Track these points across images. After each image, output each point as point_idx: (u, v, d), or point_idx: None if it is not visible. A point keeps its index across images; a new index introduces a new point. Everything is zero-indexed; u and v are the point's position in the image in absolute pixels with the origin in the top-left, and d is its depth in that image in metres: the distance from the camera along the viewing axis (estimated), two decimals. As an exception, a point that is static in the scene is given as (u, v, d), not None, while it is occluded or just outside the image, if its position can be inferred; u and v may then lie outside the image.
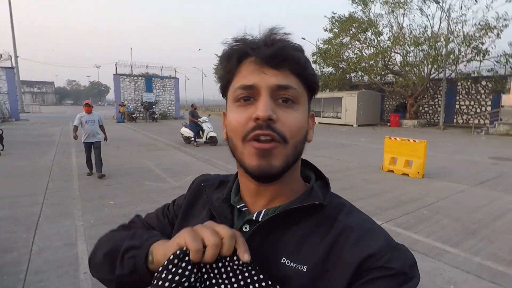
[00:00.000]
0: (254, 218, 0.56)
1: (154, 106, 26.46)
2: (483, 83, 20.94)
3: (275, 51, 0.51)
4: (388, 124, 22.14)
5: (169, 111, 28.63)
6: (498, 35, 18.78)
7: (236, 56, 0.53)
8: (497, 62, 19.32)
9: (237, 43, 0.54)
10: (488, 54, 19.07)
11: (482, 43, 19.16)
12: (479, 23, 19.21)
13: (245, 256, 0.44)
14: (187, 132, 11.24)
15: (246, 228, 0.56)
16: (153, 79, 27.73)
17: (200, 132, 11.04)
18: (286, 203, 0.56)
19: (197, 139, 10.92)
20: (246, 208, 0.58)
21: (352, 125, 21.23)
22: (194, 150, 9.94)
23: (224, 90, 0.58)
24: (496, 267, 2.92)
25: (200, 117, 11.03)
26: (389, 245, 0.48)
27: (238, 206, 0.59)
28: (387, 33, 22.69)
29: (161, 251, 0.49)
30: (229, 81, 0.55)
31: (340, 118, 22.21)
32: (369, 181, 6.14)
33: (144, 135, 14.66)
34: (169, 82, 28.57)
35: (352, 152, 9.81)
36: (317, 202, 0.53)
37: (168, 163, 7.82)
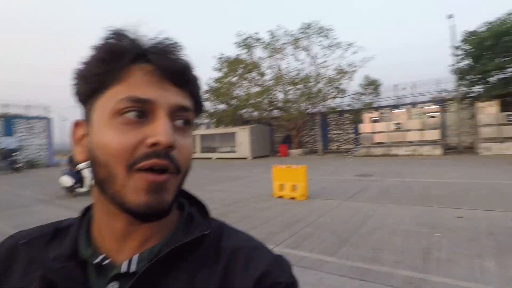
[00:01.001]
0: (123, 271, 0.43)
1: (15, 154, 21.78)
2: (346, 115, 25.71)
3: (182, 69, 0.43)
4: (279, 154, 24.29)
5: (39, 158, 24.26)
6: (350, 78, 23.88)
7: (129, 57, 0.42)
8: (353, 98, 24.30)
9: (128, 39, 0.43)
10: (346, 93, 23.85)
11: (341, 84, 23.94)
12: (336, 69, 24.04)
13: None
14: (66, 181, 9.54)
15: (114, 287, 0.42)
16: (15, 120, 23.30)
17: (84, 180, 9.57)
18: (164, 240, 0.46)
19: (78, 189, 9.39)
20: (108, 260, 0.44)
21: (246, 158, 22.37)
22: (72, 202, 8.49)
23: (89, 94, 0.44)
24: (363, 266, 3.38)
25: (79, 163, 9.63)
26: (273, 259, 0.47)
27: (95, 262, 0.44)
28: (269, 73, 25.87)
29: None
30: (105, 85, 0.42)
31: (236, 152, 23.20)
32: (261, 209, 6.43)
33: (0, 191, 11.78)
34: (38, 123, 24.53)
35: (246, 183, 10.21)
36: (206, 232, 0.47)
37: (34, 223, 6.39)
